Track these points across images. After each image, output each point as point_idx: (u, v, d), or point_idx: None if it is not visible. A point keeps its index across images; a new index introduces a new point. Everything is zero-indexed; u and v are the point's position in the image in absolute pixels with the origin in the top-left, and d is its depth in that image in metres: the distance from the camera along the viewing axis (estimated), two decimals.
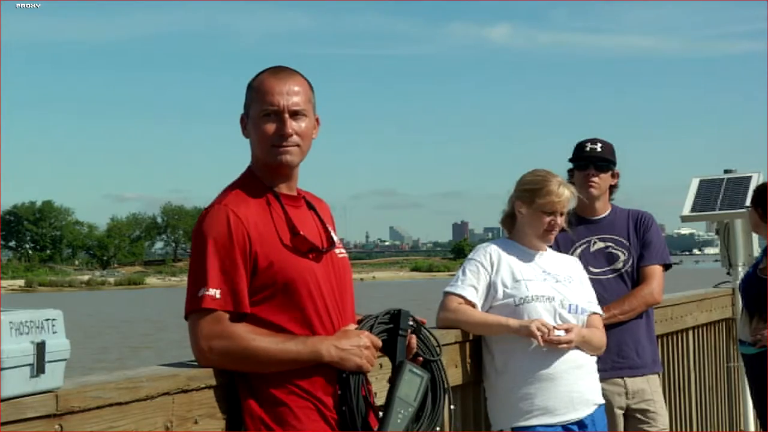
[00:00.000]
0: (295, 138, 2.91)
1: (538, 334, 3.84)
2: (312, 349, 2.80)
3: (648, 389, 4.73)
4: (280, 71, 2.99)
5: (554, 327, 3.89)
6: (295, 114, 2.92)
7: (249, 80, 3.00)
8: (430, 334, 3.12)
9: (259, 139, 2.93)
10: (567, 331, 3.90)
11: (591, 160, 4.77)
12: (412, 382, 2.91)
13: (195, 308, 2.78)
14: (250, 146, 3.01)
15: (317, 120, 3.02)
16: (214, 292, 2.77)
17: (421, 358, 3.04)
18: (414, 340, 3.03)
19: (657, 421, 4.71)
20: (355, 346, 2.85)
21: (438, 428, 2.97)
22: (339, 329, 2.92)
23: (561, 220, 4.07)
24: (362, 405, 2.85)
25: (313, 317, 2.86)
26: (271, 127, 2.91)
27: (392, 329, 2.97)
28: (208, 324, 2.76)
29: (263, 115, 2.91)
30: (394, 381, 2.92)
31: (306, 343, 2.81)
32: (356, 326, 2.97)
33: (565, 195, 4.05)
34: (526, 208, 4.09)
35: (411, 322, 3.01)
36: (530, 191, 4.08)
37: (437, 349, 3.10)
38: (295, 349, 2.79)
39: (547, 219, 4.05)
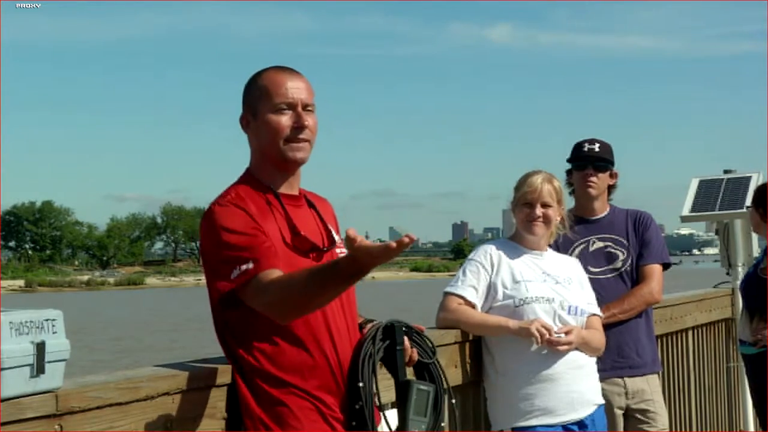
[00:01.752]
0: (308, 132, 2.93)
1: (538, 335, 3.84)
2: (348, 259, 2.58)
3: (648, 389, 4.73)
4: (286, 69, 3.00)
5: (555, 330, 3.90)
6: (305, 108, 2.94)
7: (250, 78, 2.99)
8: (426, 337, 3.13)
9: (272, 134, 2.91)
10: (567, 333, 3.91)
11: (589, 161, 4.77)
12: (421, 400, 2.96)
13: (237, 285, 2.73)
14: (252, 145, 3.00)
15: None
16: (246, 267, 2.72)
17: (416, 356, 3.05)
18: (410, 349, 3.04)
19: (657, 422, 4.71)
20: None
21: (443, 424, 3.02)
22: (343, 327, 2.93)
23: (543, 211, 4.06)
24: (372, 403, 2.87)
25: (317, 316, 2.86)
26: (286, 121, 2.91)
27: (390, 345, 2.99)
28: (258, 282, 2.70)
29: (276, 109, 2.91)
30: (404, 402, 2.95)
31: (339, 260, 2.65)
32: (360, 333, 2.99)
33: (536, 185, 4.07)
34: (513, 205, 4.15)
35: (404, 329, 3.03)
36: (515, 189, 4.16)
37: (432, 349, 3.11)
38: (333, 263, 2.67)
39: (526, 210, 4.07)
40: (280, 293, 2.68)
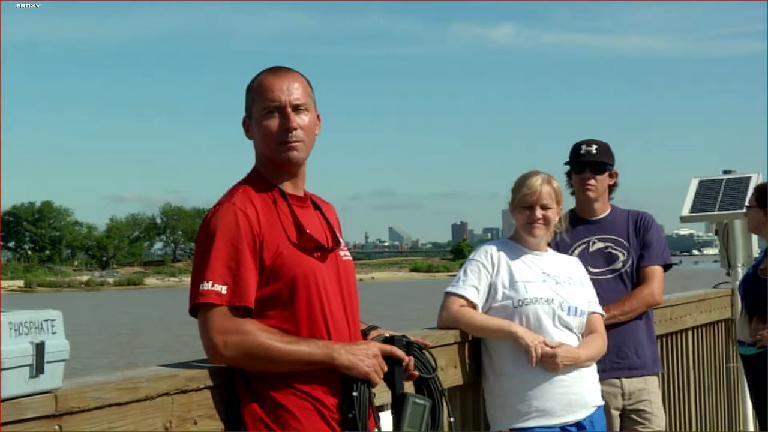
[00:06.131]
0: (299, 132, 2.92)
1: (534, 356, 3.84)
2: (325, 351, 2.81)
3: (645, 390, 4.72)
4: (278, 70, 3.00)
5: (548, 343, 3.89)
6: (297, 108, 2.93)
7: (248, 82, 3.02)
8: (427, 351, 3.13)
9: (264, 137, 2.93)
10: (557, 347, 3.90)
11: (586, 164, 4.76)
12: (416, 413, 2.96)
13: (201, 302, 2.76)
14: (255, 148, 3.01)
15: (318, 117, 3.02)
16: (220, 287, 2.76)
17: (417, 373, 3.05)
18: (411, 366, 3.04)
19: (652, 422, 4.70)
20: (365, 353, 2.86)
21: None
22: (344, 329, 2.93)
23: (543, 213, 4.06)
24: (366, 413, 2.86)
25: (318, 315, 2.87)
26: (274, 124, 2.91)
27: (389, 358, 2.97)
28: (221, 318, 2.75)
29: (266, 112, 2.92)
30: (399, 414, 2.95)
31: (319, 345, 2.82)
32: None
33: (535, 187, 4.06)
34: (512, 207, 4.14)
35: (404, 342, 3.03)
36: (514, 190, 4.15)
37: (432, 366, 3.11)
38: (308, 350, 2.79)
39: (526, 212, 4.07)
40: (250, 350, 2.74)
